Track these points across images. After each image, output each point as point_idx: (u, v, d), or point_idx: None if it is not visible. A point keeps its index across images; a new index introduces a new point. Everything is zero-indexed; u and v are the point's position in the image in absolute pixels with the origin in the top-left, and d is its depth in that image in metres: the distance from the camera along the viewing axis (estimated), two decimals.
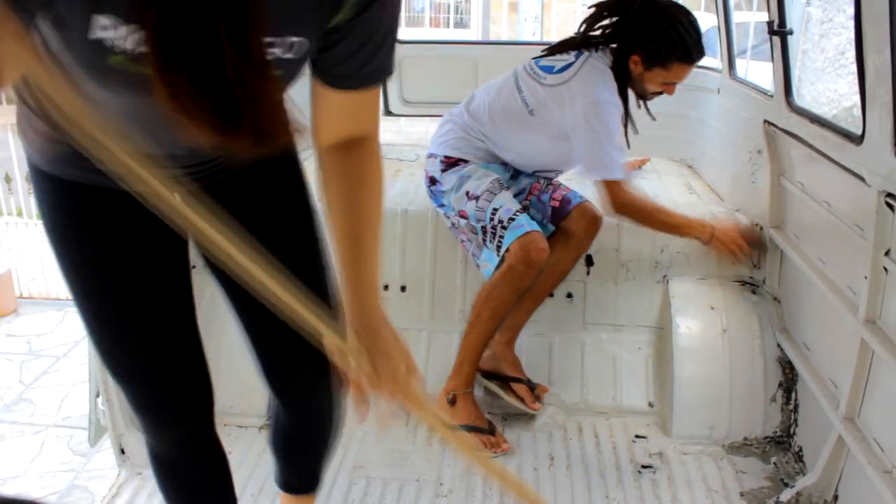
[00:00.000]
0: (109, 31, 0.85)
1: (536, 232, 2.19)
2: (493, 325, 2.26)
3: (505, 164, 2.40)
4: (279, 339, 1.31)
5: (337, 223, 1.14)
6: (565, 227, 2.35)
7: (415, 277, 2.63)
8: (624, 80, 2.26)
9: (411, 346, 2.83)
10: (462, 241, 2.44)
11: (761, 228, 2.50)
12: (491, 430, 2.26)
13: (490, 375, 2.39)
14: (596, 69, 2.24)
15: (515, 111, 2.31)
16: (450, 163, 2.37)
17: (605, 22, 2.27)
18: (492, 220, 2.22)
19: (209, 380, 1.38)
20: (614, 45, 2.26)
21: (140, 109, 0.95)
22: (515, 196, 2.33)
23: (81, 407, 2.48)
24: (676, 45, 2.18)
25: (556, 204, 2.36)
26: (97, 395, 2.11)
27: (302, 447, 1.57)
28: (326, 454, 1.57)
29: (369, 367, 1.07)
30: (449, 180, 2.36)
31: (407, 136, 4.75)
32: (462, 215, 2.31)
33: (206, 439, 1.44)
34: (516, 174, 2.42)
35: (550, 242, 2.25)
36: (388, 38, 1.01)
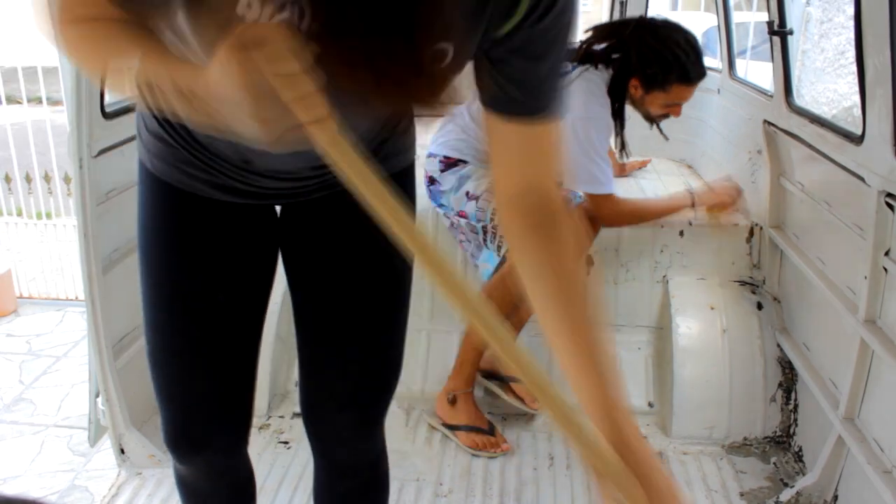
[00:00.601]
0: (251, 9, 0.78)
1: None
2: None
3: None
4: (326, 376, 1.24)
5: (550, 329, 0.91)
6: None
7: (415, 277, 2.62)
8: (622, 102, 2.24)
9: (411, 345, 2.84)
10: (461, 240, 2.44)
11: (761, 229, 2.50)
12: (491, 430, 2.26)
13: (490, 375, 2.39)
14: (590, 83, 2.22)
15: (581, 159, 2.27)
16: (449, 163, 2.37)
17: (601, 46, 2.25)
18: (492, 220, 2.22)
19: (252, 411, 1.30)
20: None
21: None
22: None
23: (81, 407, 2.48)
24: (673, 66, 2.15)
25: None
26: (97, 395, 2.11)
27: None
28: None
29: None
30: (448, 180, 2.36)
31: None
32: (461, 215, 2.31)
33: (237, 470, 1.37)
34: None
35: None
36: (561, 55, 0.87)
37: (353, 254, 1.21)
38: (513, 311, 2.32)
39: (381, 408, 1.29)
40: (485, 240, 2.27)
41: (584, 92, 2.21)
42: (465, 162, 2.36)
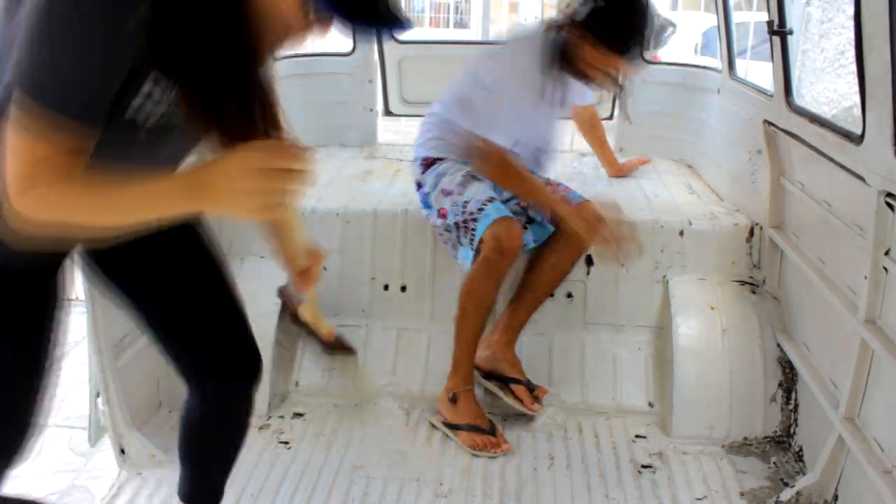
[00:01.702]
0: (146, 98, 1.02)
1: (508, 218, 2.16)
2: (479, 317, 2.25)
3: None
4: (204, 328, 1.46)
5: None
6: (565, 227, 2.33)
7: (415, 277, 2.63)
8: (569, 56, 2.17)
9: (411, 345, 2.86)
10: (444, 242, 2.42)
11: (761, 229, 2.50)
12: (492, 430, 2.26)
13: (489, 376, 2.39)
14: (534, 44, 2.19)
15: (476, 95, 2.24)
16: (427, 163, 2.38)
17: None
18: (463, 213, 2.22)
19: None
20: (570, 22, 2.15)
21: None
22: (513, 197, 2.32)
23: (81, 407, 2.48)
24: (615, 29, 2.06)
25: None
26: (97, 395, 2.11)
27: (217, 446, 1.63)
28: (234, 460, 1.66)
29: None
30: (429, 181, 2.36)
31: (407, 137, 4.74)
32: (442, 214, 2.31)
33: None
34: None
35: (550, 243, 2.25)
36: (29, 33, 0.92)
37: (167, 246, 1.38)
38: (512, 309, 2.32)
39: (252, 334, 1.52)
40: (458, 236, 2.26)
41: (525, 47, 2.21)
42: (441, 159, 2.36)
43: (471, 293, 2.24)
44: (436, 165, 2.36)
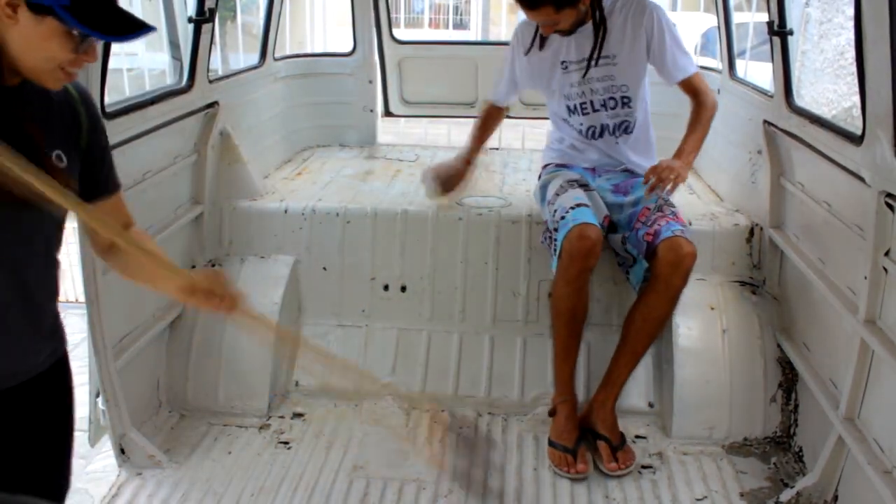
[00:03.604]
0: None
1: (585, 224, 2.12)
2: (560, 325, 2.22)
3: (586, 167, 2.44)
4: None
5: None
6: (653, 266, 2.18)
7: (415, 277, 2.63)
8: None
9: (411, 345, 2.83)
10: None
11: (761, 229, 2.50)
12: (574, 450, 2.17)
13: (587, 431, 2.26)
14: None
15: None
16: (541, 173, 2.50)
17: None
18: (553, 221, 2.22)
19: None
20: None
21: None
22: (627, 221, 2.26)
23: (81, 409, 2.47)
24: None
25: (649, 238, 2.19)
26: (97, 396, 2.11)
27: None
28: None
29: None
30: (539, 190, 2.46)
31: (406, 137, 4.74)
32: (546, 223, 2.32)
33: None
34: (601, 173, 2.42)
35: (640, 293, 2.20)
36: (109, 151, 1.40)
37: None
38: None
39: None
40: (550, 245, 2.28)
41: None
42: (545, 166, 2.50)
43: (553, 301, 2.24)
44: (541, 175, 2.48)
